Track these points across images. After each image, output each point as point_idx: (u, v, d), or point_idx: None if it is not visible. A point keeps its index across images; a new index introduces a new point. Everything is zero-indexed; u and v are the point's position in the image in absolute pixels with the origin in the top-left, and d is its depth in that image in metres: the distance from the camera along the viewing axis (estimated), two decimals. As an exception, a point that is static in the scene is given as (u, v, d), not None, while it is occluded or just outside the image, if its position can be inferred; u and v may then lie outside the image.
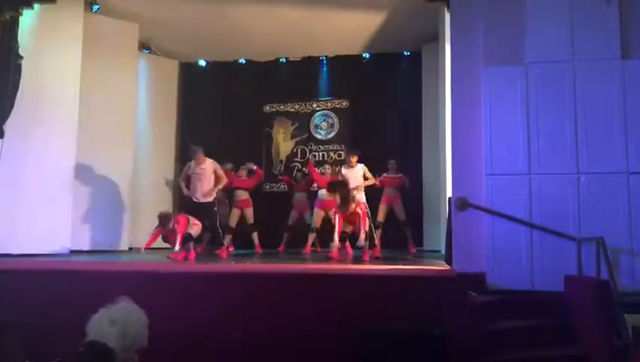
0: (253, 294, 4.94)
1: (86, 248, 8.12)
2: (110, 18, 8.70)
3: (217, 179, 7.44)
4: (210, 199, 7.35)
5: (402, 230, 8.67)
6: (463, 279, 5.09)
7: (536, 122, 5.39)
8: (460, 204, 5.33)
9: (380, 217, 8.40)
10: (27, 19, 7.27)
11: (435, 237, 8.55)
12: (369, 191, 8.03)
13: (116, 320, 2.30)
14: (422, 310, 4.62)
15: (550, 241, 5.16)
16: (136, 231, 8.86)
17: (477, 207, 5.30)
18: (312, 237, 8.47)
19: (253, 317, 4.78)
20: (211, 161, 7.51)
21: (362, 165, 7.98)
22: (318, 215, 8.39)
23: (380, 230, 8.25)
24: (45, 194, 7.38)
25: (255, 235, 8.77)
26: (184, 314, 4.67)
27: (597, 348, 4.20)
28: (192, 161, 7.50)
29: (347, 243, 7.94)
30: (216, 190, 7.44)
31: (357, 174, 7.78)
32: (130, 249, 8.68)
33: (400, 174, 8.63)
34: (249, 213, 8.75)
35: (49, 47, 7.55)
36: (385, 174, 8.53)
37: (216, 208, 7.53)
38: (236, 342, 4.67)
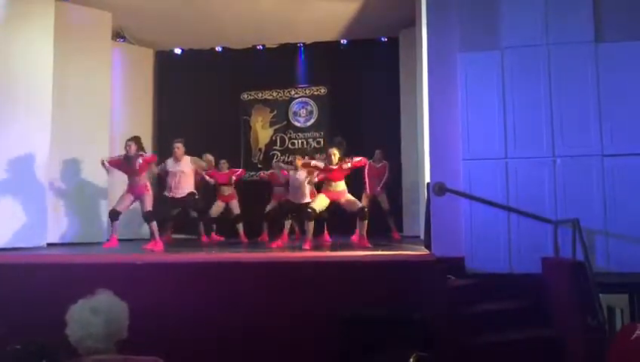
0: (229, 283, 4.92)
1: (63, 241, 8.02)
2: (82, 6, 8.53)
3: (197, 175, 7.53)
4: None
5: (385, 218, 8.66)
6: (442, 263, 5.12)
7: (512, 106, 5.43)
8: (438, 189, 5.35)
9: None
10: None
11: (415, 222, 8.60)
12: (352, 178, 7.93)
13: (99, 310, 2.30)
14: (401, 295, 4.65)
15: (527, 224, 5.22)
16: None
17: (455, 192, 5.34)
18: (288, 223, 8.41)
19: (230, 306, 4.77)
20: (189, 157, 7.56)
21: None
22: None
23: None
24: (20, 186, 7.26)
25: (240, 226, 8.74)
26: (161, 304, 4.63)
27: (573, 327, 4.28)
28: (170, 159, 7.51)
29: (325, 230, 8.03)
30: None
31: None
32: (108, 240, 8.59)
33: (384, 162, 8.61)
34: (234, 204, 8.74)
35: (20, 36, 7.38)
36: (370, 161, 8.46)
37: (197, 196, 7.50)
38: (213, 331, 4.65)
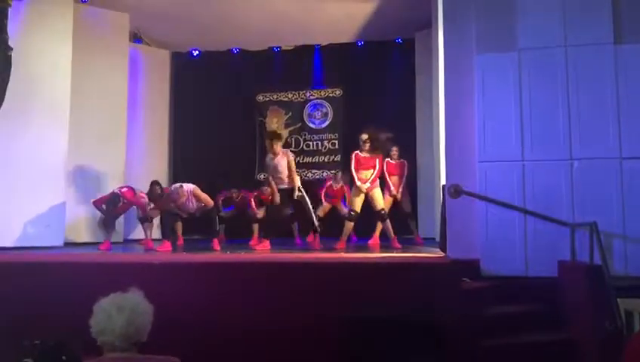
0: (242, 283, 4.93)
1: (80, 240, 8.10)
2: (100, 8, 8.64)
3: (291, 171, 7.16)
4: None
5: (406, 221, 8.40)
6: (457, 266, 5.10)
7: (528, 108, 5.39)
8: (454, 191, 5.32)
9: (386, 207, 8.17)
10: (16, 10, 7.21)
11: (430, 224, 8.55)
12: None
13: (124, 307, 2.32)
14: (415, 297, 4.62)
15: (543, 227, 5.17)
16: (130, 223, 8.85)
17: (470, 194, 5.30)
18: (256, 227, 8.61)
19: (241, 306, 4.77)
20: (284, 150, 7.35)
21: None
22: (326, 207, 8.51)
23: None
24: (38, 186, 7.37)
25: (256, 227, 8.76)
26: (174, 304, 4.64)
27: (589, 332, 4.23)
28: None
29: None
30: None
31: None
32: (125, 241, 8.67)
33: (402, 160, 8.39)
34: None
35: (39, 38, 7.51)
36: (387, 159, 8.17)
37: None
38: (221, 331, 4.65)
